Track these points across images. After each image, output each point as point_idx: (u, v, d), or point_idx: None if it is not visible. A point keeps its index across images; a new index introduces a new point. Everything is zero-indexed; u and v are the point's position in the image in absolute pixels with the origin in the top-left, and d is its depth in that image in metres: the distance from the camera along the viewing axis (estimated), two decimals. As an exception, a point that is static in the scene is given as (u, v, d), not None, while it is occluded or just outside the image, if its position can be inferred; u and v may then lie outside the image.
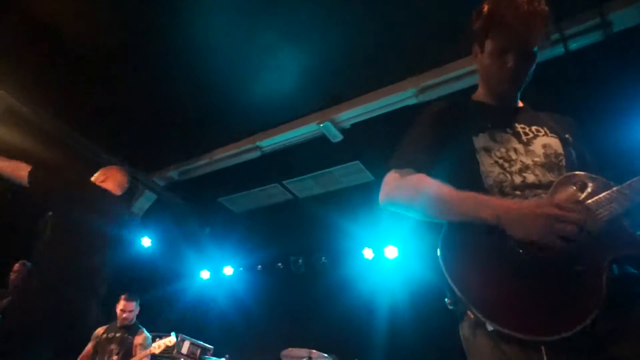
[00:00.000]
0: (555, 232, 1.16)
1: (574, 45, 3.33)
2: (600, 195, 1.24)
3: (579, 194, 1.29)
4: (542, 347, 1.09)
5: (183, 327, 5.33)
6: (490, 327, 1.15)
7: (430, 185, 1.40)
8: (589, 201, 1.24)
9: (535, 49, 1.50)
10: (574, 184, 1.32)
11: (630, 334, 1.13)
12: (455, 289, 1.20)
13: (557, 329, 1.08)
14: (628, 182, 1.23)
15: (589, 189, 1.29)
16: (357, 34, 3.54)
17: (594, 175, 1.33)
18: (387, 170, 1.52)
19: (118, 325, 4.45)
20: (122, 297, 4.49)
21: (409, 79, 3.79)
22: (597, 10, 3.14)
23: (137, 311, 4.57)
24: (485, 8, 1.52)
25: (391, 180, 1.49)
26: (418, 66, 3.72)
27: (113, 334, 4.39)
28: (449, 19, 3.19)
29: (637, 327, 1.13)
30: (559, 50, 3.34)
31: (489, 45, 1.54)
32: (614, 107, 3.62)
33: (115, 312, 4.50)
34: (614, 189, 1.24)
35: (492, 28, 1.50)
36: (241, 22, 3.51)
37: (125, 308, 4.44)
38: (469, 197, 1.32)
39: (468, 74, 3.52)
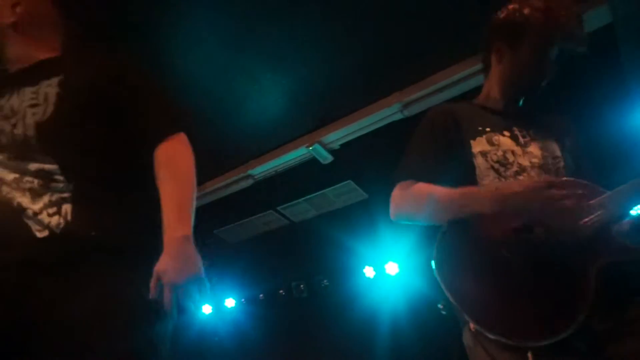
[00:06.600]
0: (556, 207, 1.19)
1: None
2: (591, 202, 1.25)
3: None
4: (529, 353, 1.11)
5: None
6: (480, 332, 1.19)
7: (430, 190, 1.43)
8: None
9: None
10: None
11: (627, 332, 1.13)
12: (448, 294, 1.26)
13: (543, 334, 1.10)
14: (617, 188, 1.24)
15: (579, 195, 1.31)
16: (337, 54, 3.58)
17: (585, 182, 1.35)
18: (393, 184, 1.55)
19: None
20: None
21: (393, 94, 3.81)
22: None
23: None
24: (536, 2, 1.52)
25: (397, 194, 1.53)
26: (401, 81, 3.76)
27: None
28: (427, 31, 3.25)
29: (634, 325, 1.14)
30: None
31: (534, 40, 1.52)
32: (598, 106, 3.67)
33: None
34: (604, 195, 1.25)
35: (555, 21, 1.49)
36: (221, 54, 3.53)
37: None
38: (466, 192, 1.38)
39: (452, 84, 3.56)
